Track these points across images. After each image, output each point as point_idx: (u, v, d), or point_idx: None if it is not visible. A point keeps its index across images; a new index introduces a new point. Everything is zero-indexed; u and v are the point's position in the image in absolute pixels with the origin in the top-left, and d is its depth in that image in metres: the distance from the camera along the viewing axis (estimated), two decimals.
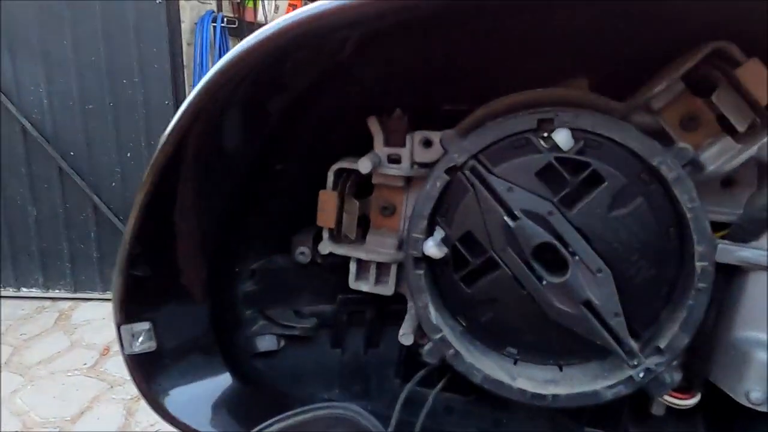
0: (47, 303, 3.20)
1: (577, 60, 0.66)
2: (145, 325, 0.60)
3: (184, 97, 2.66)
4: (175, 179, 0.63)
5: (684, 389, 0.62)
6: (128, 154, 3.03)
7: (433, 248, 0.60)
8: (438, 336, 0.62)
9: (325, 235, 0.71)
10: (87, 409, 2.37)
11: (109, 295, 3.16)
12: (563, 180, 0.60)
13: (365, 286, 0.68)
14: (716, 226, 0.60)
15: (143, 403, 2.20)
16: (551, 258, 0.59)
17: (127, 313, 0.62)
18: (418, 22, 0.58)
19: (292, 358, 0.73)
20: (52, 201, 3.09)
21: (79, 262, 3.18)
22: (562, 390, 0.59)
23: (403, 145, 0.66)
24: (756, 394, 0.59)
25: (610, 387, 0.59)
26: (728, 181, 0.62)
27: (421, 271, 0.62)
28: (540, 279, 0.59)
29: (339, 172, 0.69)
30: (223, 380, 0.66)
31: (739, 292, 0.60)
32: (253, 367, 0.72)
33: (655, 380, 0.59)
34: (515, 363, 0.63)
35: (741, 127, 0.60)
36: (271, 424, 0.56)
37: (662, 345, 0.58)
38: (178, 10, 2.96)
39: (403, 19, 0.56)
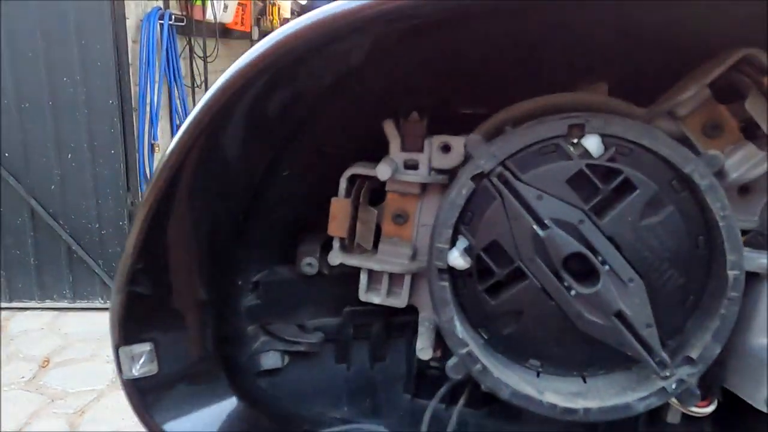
0: None
1: (595, 64, 0.64)
2: (146, 347, 0.54)
3: (130, 96, 2.57)
4: (179, 192, 0.58)
5: (702, 397, 0.61)
6: (69, 156, 2.88)
7: (458, 259, 0.56)
8: (465, 351, 0.59)
9: (336, 245, 0.66)
10: (26, 425, 2.24)
11: (47, 303, 3.00)
12: (594, 188, 0.58)
13: (377, 298, 0.64)
14: None
15: (88, 416, 2.10)
16: (581, 268, 0.57)
17: (126, 334, 0.57)
18: (434, 23, 0.56)
19: (297, 375, 0.68)
20: None
21: (14, 270, 3.00)
22: (592, 403, 0.57)
23: (421, 150, 0.62)
24: None
25: (642, 399, 0.58)
26: (746, 189, 0.62)
27: (446, 283, 0.58)
28: (569, 290, 0.57)
29: (352, 179, 0.65)
30: (229, 404, 0.60)
31: (757, 299, 0.59)
32: (258, 386, 0.66)
33: (687, 392, 0.58)
34: (538, 375, 0.60)
35: None
36: None
37: (694, 355, 0.57)
38: (123, 5, 2.84)
39: (417, 20, 0.54)
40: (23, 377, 2.52)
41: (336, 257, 0.66)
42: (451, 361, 0.61)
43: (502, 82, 0.64)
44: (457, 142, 0.62)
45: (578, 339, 0.60)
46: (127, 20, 2.90)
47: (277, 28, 5.37)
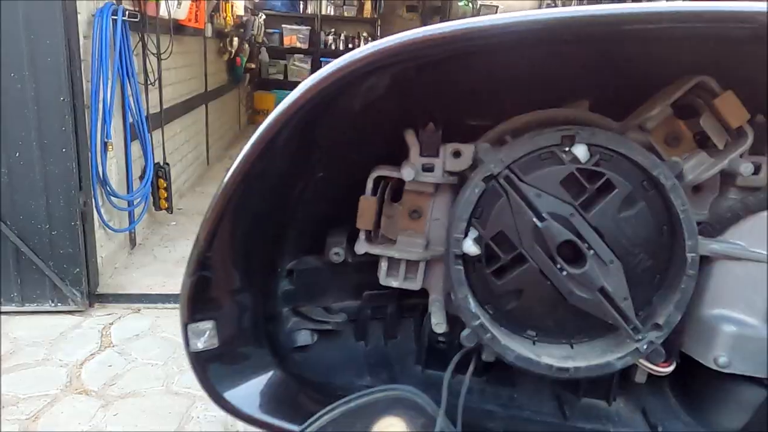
0: None
1: (578, 85, 0.79)
2: (209, 324, 0.63)
3: (82, 93, 2.51)
4: (247, 188, 0.67)
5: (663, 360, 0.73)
6: (17, 154, 2.80)
7: (471, 246, 0.67)
8: (477, 322, 0.69)
9: (362, 236, 0.77)
10: None
11: None
12: (582, 187, 0.71)
13: (395, 282, 0.76)
14: None
15: (42, 422, 2.06)
16: (571, 253, 0.70)
17: (192, 313, 0.66)
18: (441, 59, 0.70)
19: (324, 350, 0.79)
20: None
21: None
22: (580, 363, 0.69)
23: (437, 155, 0.74)
24: (722, 359, 0.73)
25: (620, 358, 0.72)
26: (698, 188, 0.77)
27: (461, 267, 0.68)
28: (562, 270, 0.70)
29: (377, 180, 0.73)
30: (273, 374, 0.71)
31: (708, 278, 0.74)
32: (294, 360, 0.76)
33: (655, 351, 0.73)
34: (534, 343, 0.71)
35: (720, 145, 0.73)
36: (336, 407, 0.59)
37: (660, 322, 0.69)
38: (75, 1, 2.77)
39: (429, 57, 0.67)
40: None
41: (362, 247, 0.78)
42: (465, 332, 0.73)
43: (503, 100, 0.76)
44: (467, 149, 0.75)
45: (568, 312, 0.73)
46: (78, 15, 2.82)
47: (230, 25, 5.34)
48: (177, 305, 3.01)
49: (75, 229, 2.93)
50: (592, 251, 0.68)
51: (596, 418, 0.79)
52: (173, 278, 3.49)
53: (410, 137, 0.74)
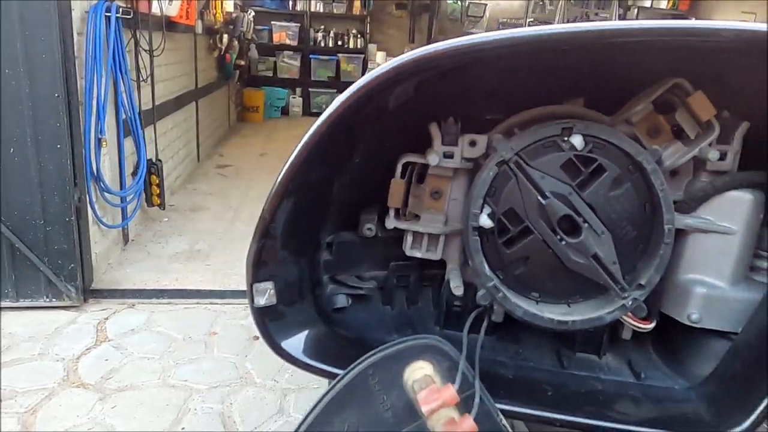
0: None
1: (574, 86, 0.84)
2: (269, 285, 0.72)
3: (77, 90, 2.53)
4: (307, 167, 0.79)
5: (644, 318, 0.82)
6: (11, 150, 2.82)
7: (486, 220, 0.75)
8: (491, 284, 0.78)
9: (392, 213, 0.85)
10: None
11: None
12: (579, 170, 0.85)
13: (418, 253, 0.86)
14: None
15: (41, 415, 2.10)
16: (569, 225, 0.84)
17: (256, 274, 0.78)
18: (461, 66, 0.81)
19: (357, 312, 0.87)
20: None
21: None
22: (576, 317, 0.78)
23: (456, 144, 0.80)
24: (695, 316, 0.87)
25: (609, 313, 0.83)
26: (674, 172, 0.91)
27: (477, 238, 0.76)
28: (561, 240, 0.78)
29: (405, 165, 0.82)
30: (318, 328, 0.81)
31: (683, 248, 0.84)
32: (333, 319, 0.84)
33: (638, 307, 0.86)
34: (537, 303, 0.80)
35: (692, 135, 0.87)
36: (377, 353, 0.67)
37: (643, 282, 0.78)
38: None
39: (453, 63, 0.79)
40: None
41: (391, 222, 0.91)
42: (480, 292, 0.86)
43: (512, 98, 0.85)
44: (481, 139, 0.87)
45: (566, 275, 0.86)
46: (72, 12, 2.84)
47: (220, 21, 5.36)
48: (171, 301, 3.04)
49: (69, 225, 2.96)
50: (586, 224, 0.81)
51: (589, 368, 0.90)
52: (167, 274, 3.53)
53: (434, 129, 0.87)
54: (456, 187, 0.88)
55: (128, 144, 3.70)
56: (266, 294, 0.76)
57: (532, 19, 10.42)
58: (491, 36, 0.75)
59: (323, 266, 0.92)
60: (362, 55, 10.17)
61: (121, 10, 3.26)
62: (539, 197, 0.82)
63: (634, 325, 0.87)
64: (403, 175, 0.89)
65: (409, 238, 0.87)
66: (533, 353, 0.94)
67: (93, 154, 3.14)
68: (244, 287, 2.82)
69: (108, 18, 3.15)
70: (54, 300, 3.03)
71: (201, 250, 3.96)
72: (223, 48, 6.94)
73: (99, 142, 3.18)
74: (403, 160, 0.88)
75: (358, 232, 0.90)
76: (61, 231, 2.97)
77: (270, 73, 10.26)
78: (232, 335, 2.92)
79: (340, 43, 10.26)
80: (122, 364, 2.65)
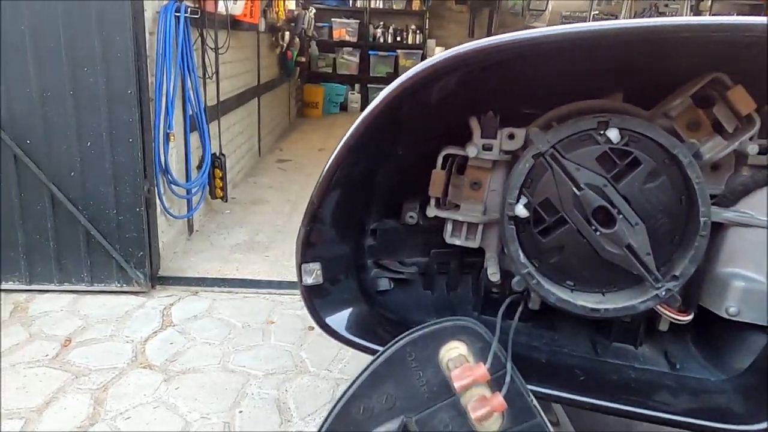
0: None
1: (614, 81, 0.85)
2: (317, 265, 0.78)
3: (147, 86, 2.67)
4: (353, 157, 0.84)
5: (682, 311, 0.81)
6: (88, 143, 3.01)
7: (521, 210, 0.78)
8: (526, 271, 0.81)
9: (432, 203, 0.89)
10: (52, 400, 2.37)
11: (66, 286, 3.13)
12: (614, 163, 0.87)
13: (458, 241, 0.90)
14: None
15: (111, 392, 2.25)
16: (604, 216, 0.86)
17: (305, 255, 0.84)
18: (502, 61, 0.85)
19: (398, 296, 0.92)
20: (6, 190, 3.03)
21: (34, 254, 3.13)
22: (609, 306, 0.79)
23: (495, 137, 0.83)
24: (732, 309, 0.88)
25: (643, 302, 0.83)
26: (716, 166, 0.91)
27: (513, 226, 0.79)
28: (596, 231, 0.79)
29: (446, 156, 0.85)
30: (361, 308, 0.85)
31: (722, 241, 0.89)
32: (376, 301, 0.89)
33: (672, 297, 0.88)
34: (572, 291, 0.82)
35: (730, 129, 0.87)
36: (415, 331, 0.71)
37: (677, 273, 0.78)
38: None
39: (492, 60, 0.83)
40: (47, 355, 2.66)
41: (432, 211, 0.95)
42: (515, 279, 0.91)
43: (551, 92, 0.85)
44: (519, 132, 0.90)
45: (600, 265, 0.87)
46: (144, 12, 2.99)
47: (282, 19, 5.48)
48: (231, 289, 3.16)
49: (139, 215, 3.13)
50: (621, 215, 0.83)
51: (624, 357, 0.90)
52: (228, 263, 3.67)
53: (474, 123, 0.91)
54: (495, 178, 0.91)
55: (194, 138, 3.87)
56: (313, 274, 0.82)
57: (597, 12, 10.09)
58: (542, 33, 0.77)
59: (368, 251, 0.97)
60: (421, 51, 10.17)
61: (189, 10, 3.41)
62: (574, 188, 0.84)
63: (671, 317, 0.87)
64: (443, 166, 0.92)
65: (449, 227, 0.93)
66: (569, 341, 0.96)
67: (161, 147, 3.31)
68: None
69: (177, 18, 3.30)
70: (124, 285, 3.23)
71: (260, 241, 4.10)
72: (285, 45, 7.11)
73: (167, 137, 3.34)
74: (444, 152, 0.91)
75: (400, 219, 0.95)
76: (132, 220, 3.15)
77: (329, 70, 10.43)
78: (289, 324, 3.01)
79: (398, 39, 10.30)
80: (186, 348, 2.80)
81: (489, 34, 10.83)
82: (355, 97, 10.60)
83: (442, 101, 0.89)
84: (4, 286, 3.16)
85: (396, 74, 10.76)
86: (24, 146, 2.97)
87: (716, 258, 0.89)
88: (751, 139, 0.85)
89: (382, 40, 10.29)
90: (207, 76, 4.02)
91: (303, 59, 8.66)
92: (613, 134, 0.83)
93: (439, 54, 0.77)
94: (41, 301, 3.12)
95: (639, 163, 0.84)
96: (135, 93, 3.00)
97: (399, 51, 10.20)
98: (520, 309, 0.91)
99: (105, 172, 3.06)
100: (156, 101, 3.23)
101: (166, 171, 3.41)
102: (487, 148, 0.89)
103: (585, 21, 9.81)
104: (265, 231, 4.30)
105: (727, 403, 0.86)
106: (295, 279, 3.10)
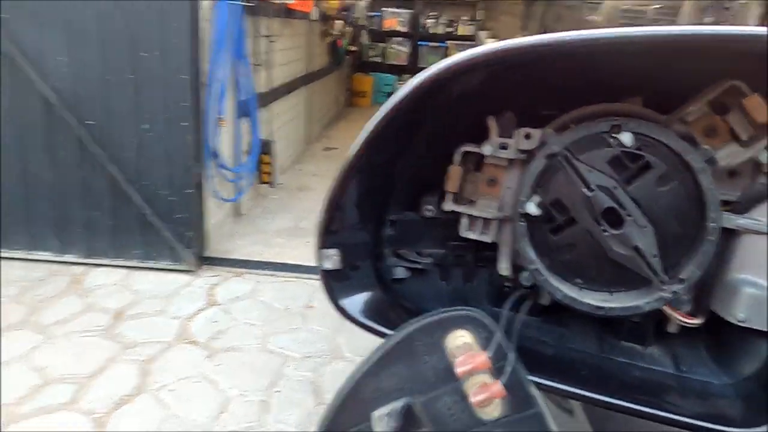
0: (60, 267, 3.30)
1: (634, 85, 0.96)
2: (335, 251, 0.81)
3: (199, 72, 2.75)
4: (374, 149, 0.87)
5: (692, 314, 0.81)
6: (146, 126, 3.12)
7: (533, 208, 0.80)
8: (534, 267, 0.83)
9: (449, 197, 0.90)
10: (103, 368, 2.51)
11: (119, 261, 3.27)
12: (625, 166, 0.89)
13: (473, 235, 0.94)
14: (723, 204, 0.90)
15: (157, 365, 2.36)
16: (613, 217, 0.88)
17: (324, 241, 0.89)
18: (521, 64, 0.89)
19: (416, 285, 0.96)
20: (69, 168, 3.19)
21: (92, 229, 3.30)
22: (615, 305, 0.80)
23: (511, 136, 0.85)
24: (742, 315, 0.89)
25: (648, 303, 0.87)
26: (732, 173, 0.92)
27: (524, 223, 0.81)
28: (605, 231, 0.80)
29: (464, 153, 0.87)
30: (376, 293, 0.90)
31: (735, 247, 0.91)
32: (393, 289, 0.92)
33: (677, 299, 0.90)
34: (580, 289, 0.83)
35: (745, 137, 0.89)
36: (422, 318, 0.75)
37: (684, 276, 0.78)
38: None
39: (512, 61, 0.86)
40: (99, 326, 2.80)
41: (449, 205, 0.97)
42: (524, 274, 0.94)
43: (569, 95, 0.87)
44: (535, 132, 0.92)
45: (609, 265, 0.90)
46: (202, 1, 3.07)
47: (334, 8, 5.52)
48: (274, 273, 3.24)
49: (190, 197, 3.25)
50: (630, 217, 0.85)
51: (630, 356, 0.90)
52: (271, 248, 3.77)
53: (491, 122, 0.93)
54: (511, 176, 0.93)
55: (244, 124, 3.96)
56: (332, 259, 0.86)
57: (659, 5, 9.72)
58: (564, 36, 0.79)
59: (386, 240, 1.01)
60: (472, 43, 10.06)
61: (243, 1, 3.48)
62: (584, 189, 0.85)
63: (678, 319, 0.88)
64: (461, 163, 0.94)
65: (465, 221, 0.96)
66: (577, 337, 0.97)
67: (212, 132, 3.41)
68: None
69: (233, 7, 3.38)
70: (173, 264, 3.36)
71: (303, 228, 4.18)
72: (336, 34, 7.16)
73: (218, 122, 3.44)
74: (462, 149, 0.93)
75: (419, 212, 0.97)
76: (183, 202, 3.27)
77: (379, 59, 10.45)
78: (327, 310, 3.06)
79: (450, 29, 10.21)
80: (228, 327, 2.90)
81: (542, 28, 10.59)
82: None
83: (460, 100, 0.91)
84: (64, 258, 3.34)
85: None
86: (86, 127, 3.12)
87: (728, 264, 0.88)
88: (766, 147, 0.86)
89: (432, 30, 10.23)
90: (259, 63, 4.11)
91: (354, 48, 8.70)
92: (626, 138, 0.84)
93: (457, 55, 0.78)
94: (96, 274, 3.29)
95: (651, 167, 0.85)
96: (189, 79, 3.10)
97: (449, 42, 10.12)
98: (527, 303, 0.93)
99: (159, 155, 3.19)
100: (209, 87, 3.32)
101: (216, 155, 3.51)
102: (504, 147, 0.92)
103: (645, 16, 9.45)
104: (308, 217, 4.39)
105: (728, 407, 0.88)
106: None
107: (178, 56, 3.06)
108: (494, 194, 0.94)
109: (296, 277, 3.44)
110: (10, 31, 3.00)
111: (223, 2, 3.33)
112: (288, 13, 4.70)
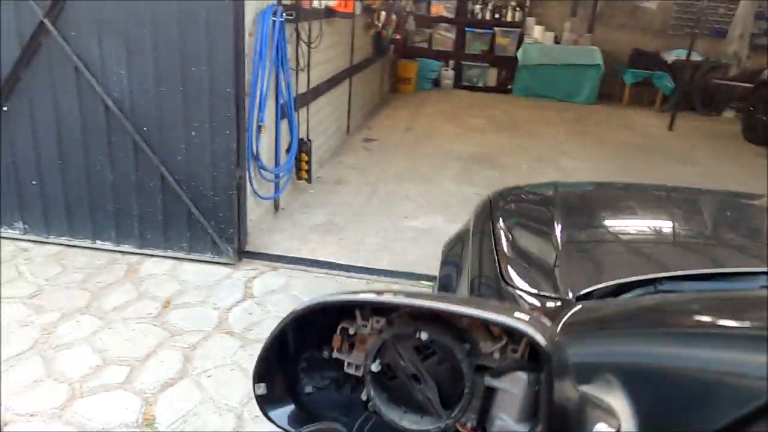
0: (118, 256, 3.71)
1: None
2: (263, 384, 1.08)
3: (244, 84, 3.05)
4: (283, 334, 1.13)
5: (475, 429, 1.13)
6: (193, 133, 3.46)
7: (375, 366, 1.13)
8: (374, 398, 1.15)
9: (335, 351, 1.15)
10: (153, 353, 2.87)
11: (169, 253, 3.65)
12: (421, 351, 1.13)
13: (351, 371, 1.26)
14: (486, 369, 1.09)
15: (198, 352, 2.74)
16: (416, 378, 1.13)
17: (256, 378, 1.13)
18: None
19: (320, 398, 1.22)
20: (127, 169, 3.57)
21: (146, 223, 3.68)
22: (421, 426, 1.12)
23: (368, 321, 1.17)
24: None
25: (437, 427, 1.12)
26: (491, 354, 1.10)
27: (369, 375, 1.09)
28: (413, 385, 1.16)
29: (341, 328, 1.20)
30: (294, 407, 1.15)
31: (495, 396, 1.07)
32: (305, 401, 1.20)
33: (454, 425, 1.11)
34: (404, 413, 1.18)
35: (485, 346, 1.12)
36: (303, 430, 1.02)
37: (454, 413, 1.09)
38: (244, 5, 3.29)
39: None
40: (150, 314, 3.18)
41: (335, 354, 1.19)
42: (370, 403, 1.17)
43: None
44: (381, 320, 1.13)
45: (416, 402, 1.13)
46: (245, 16, 3.33)
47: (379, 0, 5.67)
48: (307, 268, 3.54)
49: (232, 197, 3.57)
50: (423, 381, 1.12)
51: None
52: (306, 243, 4.09)
53: (357, 312, 1.17)
54: (370, 340, 1.19)
55: (284, 125, 4.25)
56: (261, 387, 1.16)
57: None
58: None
59: (300, 369, 1.30)
60: (519, 29, 9.98)
61: (284, 14, 3.72)
62: (401, 361, 1.12)
63: None
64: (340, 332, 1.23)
65: (346, 363, 1.21)
66: None
67: (254, 138, 3.71)
68: (367, 264, 3.23)
69: (274, 21, 3.63)
70: (216, 257, 3.72)
71: (337, 223, 4.47)
72: (381, 25, 7.30)
73: (259, 129, 3.74)
74: (341, 326, 1.20)
75: (321, 353, 1.25)
76: (225, 201, 3.61)
77: (425, 45, 10.51)
78: None
79: (497, 15, 10.15)
80: (262, 319, 3.23)
81: (593, 16, 10.37)
82: (448, 73, 10.63)
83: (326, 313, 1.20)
84: (122, 248, 3.75)
85: (491, 52, 10.66)
86: (141, 133, 3.49)
87: (492, 405, 1.13)
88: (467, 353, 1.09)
89: (480, 16, 10.20)
90: (299, 68, 4.36)
91: (398, 36, 8.81)
92: (423, 335, 1.10)
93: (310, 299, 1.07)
94: (149, 264, 3.69)
95: (435, 353, 1.14)
96: (233, 90, 3.40)
97: (496, 29, 10.08)
98: (362, 417, 1.25)
99: (205, 159, 3.52)
100: (251, 97, 3.61)
101: (257, 158, 3.82)
102: (365, 326, 1.19)
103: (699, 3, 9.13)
104: (342, 213, 4.67)
105: None
106: (361, 264, 3.42)
107: (224, 71, 3.35)
108: (363, 348, 1.23)
109: (325, 273, 3.73)
110: (78, 47, 3.37)
111: (264, 18, 3.58)
112: (330, 13, 4.92)
